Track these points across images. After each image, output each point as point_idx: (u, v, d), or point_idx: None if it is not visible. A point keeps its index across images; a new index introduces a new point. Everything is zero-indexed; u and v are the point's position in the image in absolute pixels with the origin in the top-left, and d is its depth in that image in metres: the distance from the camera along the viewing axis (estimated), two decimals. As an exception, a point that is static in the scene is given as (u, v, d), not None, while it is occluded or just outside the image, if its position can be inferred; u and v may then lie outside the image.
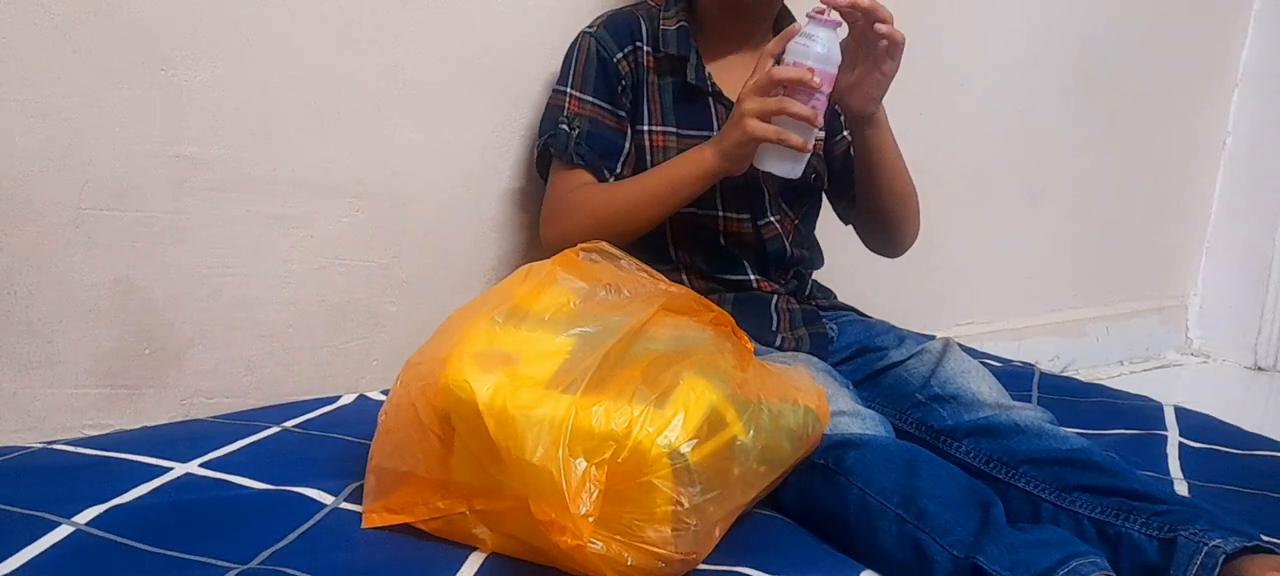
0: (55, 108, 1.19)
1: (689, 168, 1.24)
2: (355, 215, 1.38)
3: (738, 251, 1.36)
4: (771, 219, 1.36)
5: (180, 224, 1.28)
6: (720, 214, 1.34)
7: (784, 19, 1.39)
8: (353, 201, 1.38)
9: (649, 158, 1.33)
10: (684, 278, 1.34)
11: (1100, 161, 2.22)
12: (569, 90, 1.33)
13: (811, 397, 1.05)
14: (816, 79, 1.13)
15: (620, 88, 1.32)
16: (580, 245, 1.06)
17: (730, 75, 1.33)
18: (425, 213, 1.43)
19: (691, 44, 1.34)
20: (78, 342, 1.25)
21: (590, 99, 1.32)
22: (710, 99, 1.34)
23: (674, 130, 1.33)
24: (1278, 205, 2.36)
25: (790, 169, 1.17)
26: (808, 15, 1.16)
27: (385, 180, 1.39)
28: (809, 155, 1.17)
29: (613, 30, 1.34)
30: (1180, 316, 2.50)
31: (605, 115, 1.32)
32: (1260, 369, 2.41)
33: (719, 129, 1.29)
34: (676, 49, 1.33)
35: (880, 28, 1.17)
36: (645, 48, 1.34)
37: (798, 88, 1.13)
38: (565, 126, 1.31)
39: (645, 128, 1.34)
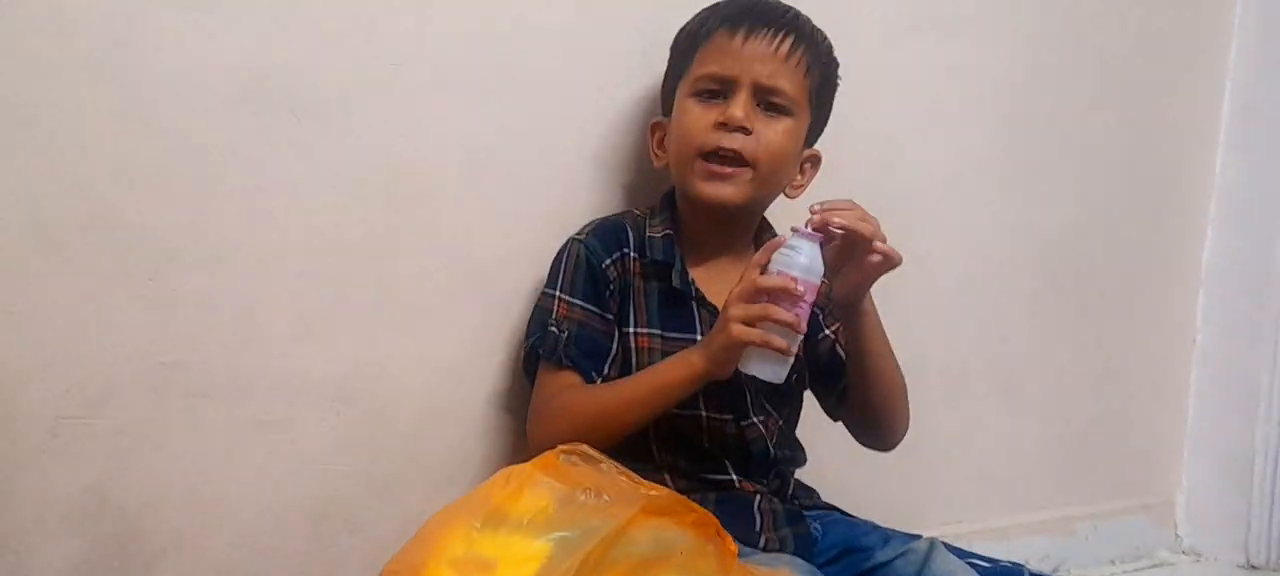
0: (42, 315, 1.20)
1: (676, 372, 1.26)
2: (335, 419, 1.38)
3: (720, 451, 1.36)
4: (754, 419, 1.37)
5: (158, 431, 1.27)
6: (703, 414, 1.34)
7: (764, 232, 1.45)
8: (334, 405, 1.37)
9: (634, 360, 1.35)
10: (666, 477, 1.33)
11: (1075, 359, 2.25)
12: (558, 293, 1.36)
13: (798, 602, 1.03)
14: (800, 288, 1.18)
15: (608, 292, 1.36)
16: (560, 447, 1.06)
17: (713, 281, 1.37)
18: (407, 416, 1.43)
19: (676, 251, 1.38)
20: (47, 556, 1.21)
21: (579, 302, 1.35)
22: (694, 303, 1.37)
23: (659, 332, 1.36)
24: (1252, 400, 2.38)
25: (774, 373, 1.22)
26: (792, 228, 1.22)
27: (367, 384, 1.40)
28: (792, 361, 1.21)
29: (601, 237, 1.38)
30: (1168, 514, 2.48)
31: (593, 318, 1.35)
32: (1254, 567, 2.37)
33: (702, 332, 1.32)
34: (662, 255, 1.37)
35: (878, 246, 1.22)
36: (632, 254, 1.38)
37: (782, 296, 1.18)
38: (554, 328, 1.34)
39: (631, 330, 1.36)
